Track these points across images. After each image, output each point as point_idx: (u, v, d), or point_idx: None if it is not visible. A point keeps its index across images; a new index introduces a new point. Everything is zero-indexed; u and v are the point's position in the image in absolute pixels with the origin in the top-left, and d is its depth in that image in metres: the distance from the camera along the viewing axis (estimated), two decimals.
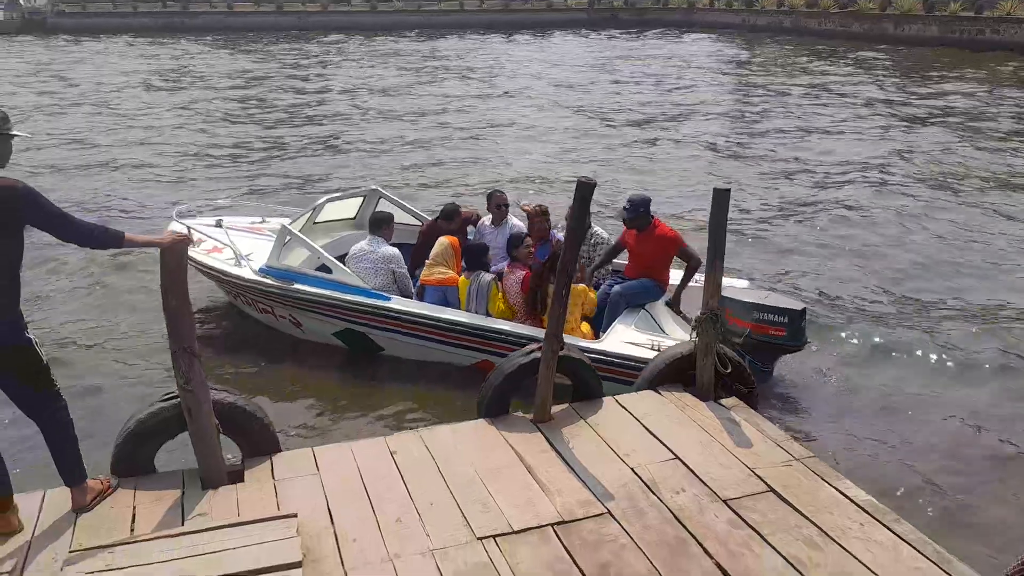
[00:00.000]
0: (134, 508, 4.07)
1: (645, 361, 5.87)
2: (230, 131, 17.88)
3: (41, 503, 4.08)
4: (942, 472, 5.68)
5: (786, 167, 14.56)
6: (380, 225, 7.15)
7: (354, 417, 6.30)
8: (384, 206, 8.10)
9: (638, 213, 6.68)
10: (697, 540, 3.92)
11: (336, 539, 3.88)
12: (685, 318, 6.64)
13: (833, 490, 4.33)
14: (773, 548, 3.87)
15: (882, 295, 8.82)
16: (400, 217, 8.08)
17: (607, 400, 5.32)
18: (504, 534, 3.94)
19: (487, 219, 7.71)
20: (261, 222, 8.45)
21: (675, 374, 5.50)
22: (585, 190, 4.68)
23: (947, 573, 3.71)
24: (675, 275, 6.98)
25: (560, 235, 7.29)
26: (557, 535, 3.95)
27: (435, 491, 4.29)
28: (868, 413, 6.45)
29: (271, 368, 7.03)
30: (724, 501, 4.23)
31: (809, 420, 6.32)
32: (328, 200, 8.00)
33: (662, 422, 5.02)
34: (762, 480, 4.42)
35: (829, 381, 6.93)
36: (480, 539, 3.90)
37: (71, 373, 6.66)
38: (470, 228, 7.80)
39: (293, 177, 13.85)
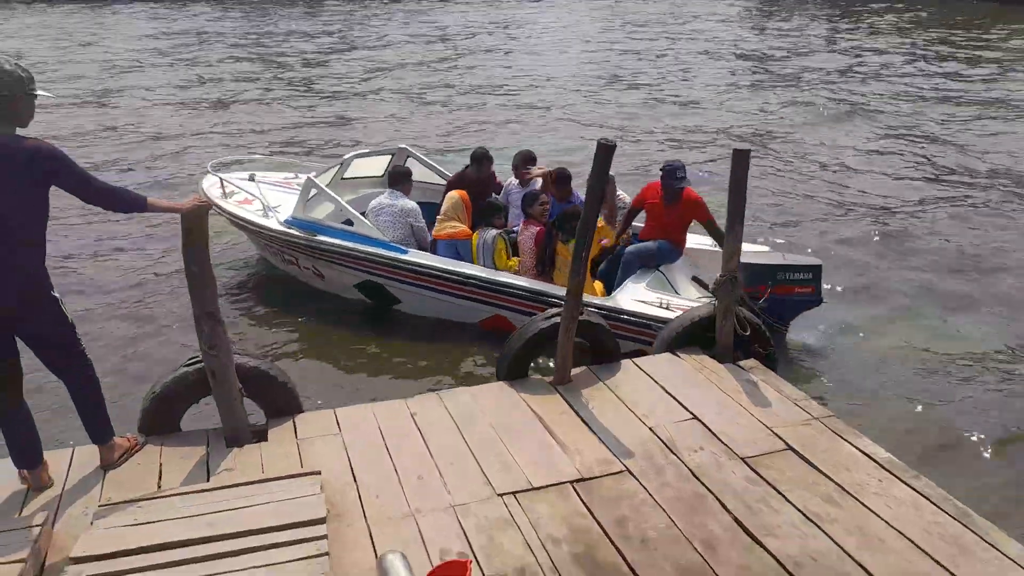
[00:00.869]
0: (160, 465, 4.16)
1: (652, 318, 5.98)
2: (258, 91, 18.04)
3: (70, 459, 4.18)
4: (962, 427, 5.69)
5: (805, 123, 14.40)
6: (400, 179, 7.27)
7: (374, 380, 6.36)
8: (411, 164, 8.21)
9: (685, 180, 6.60)
10: (715, 496, 3.96)
11: (359, 495, 3.94)
12: (704, 284, 6.63)
13: (852, 447, 4.35)
14: (791, 504, 3.89)
15: (897, 253, 8.76)
16: (427, 176, 8.25)
17: (625, 362, 5.33)
18: (524, 491, 3.99)
19: (514, 180, 7.67)
20: (293, 177, 8.65)
21: (693, 337, 5.51)
22: (604, 152, 4.67)
23: (966, 527, 3.72)
24: (691, 240, 6.99)
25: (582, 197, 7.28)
26: (576, 492, 3.99)
27: (455, 450, 4.34)
28: (887, 370, 6.45)
29: (292, 332, 7.11)
30: (742, 459, 4.26)
31: (828, 379, 6.33)
32: (355, 156, 8.20)
33: (680, 383, 5.04)
34: (780, 439, 4.43)
35: (848, 340, 6.91)
36: (500, 495, 3.95)
37: (97, 333, 6.80)
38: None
39: (324, 138, 14.05)
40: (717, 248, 6.83)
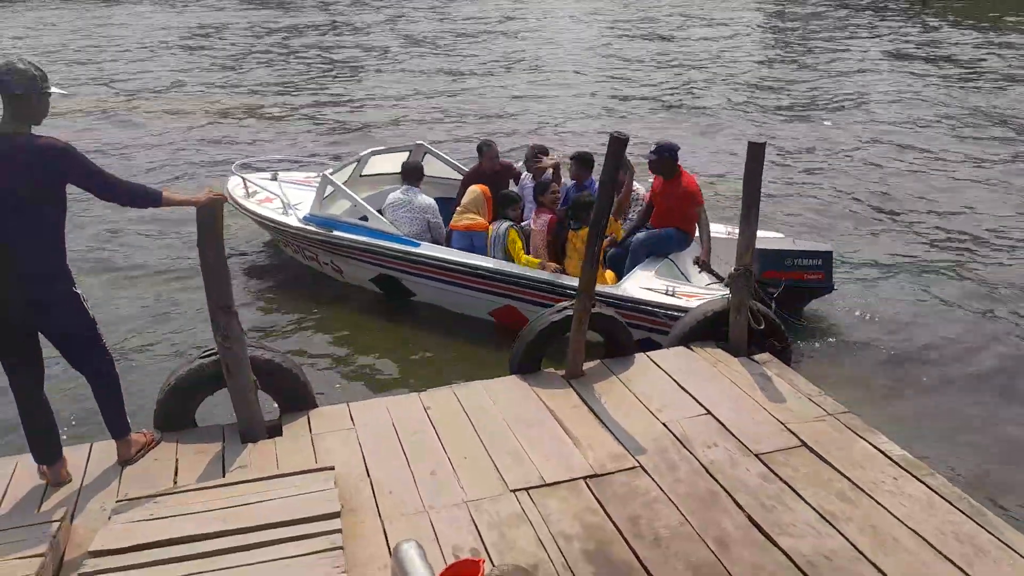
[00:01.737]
0: (176, 461, 4.20)
1: (658, 305, 5.98)
2: (279, 92, 18.05)
3: (88, 455, 4.23)
4: (979, 424, 5.64)
5: (816, 116, 14.26)
6: (413, 175, 7.35)
7: (388, 374, 6.39)
8: (430, 161, 8.27)
9: (662, 157, 6.58)
10: (729, 493, 3.95)
11: (373, 491, 3.97)
12: (717, 275, 6.59)
13: (866, 444, 4.33)
14: (805, 501, 3.88)
15: (918, 246, 8.68)
16: (445, 172, 8.34)
17: (639, 356, 5.33)
18: (537, 486, 4.00)
19: (527, 173, 7.68)
20: (316, 176, 8.69)
21: (708, 330, 5.49)
22: (617, 145, 4.64)
23: (981, 526, 3.70)
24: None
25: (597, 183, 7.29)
26: (589, 488, 4.00)
27: (468, 445, 4.36)
28: (904, 365, 6.40)
29: (306, 325, 7.15)
30: (756, 455, 4.25)
31: (843, 374, 6.27)
32: (373, 153, 8.29)
33: (694, 378, 5.03)
34: (795, 435, 4.42)
35: (863, 334, 6.86)
36: (513, 491, 3.96)
37: (117, 329, 6.84)
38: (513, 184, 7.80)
39: (347, 139, 14.02)
40: (728, 236, 6.89)
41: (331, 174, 7.53)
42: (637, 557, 3.55)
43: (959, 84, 16.38)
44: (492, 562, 3.49)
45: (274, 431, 4.47)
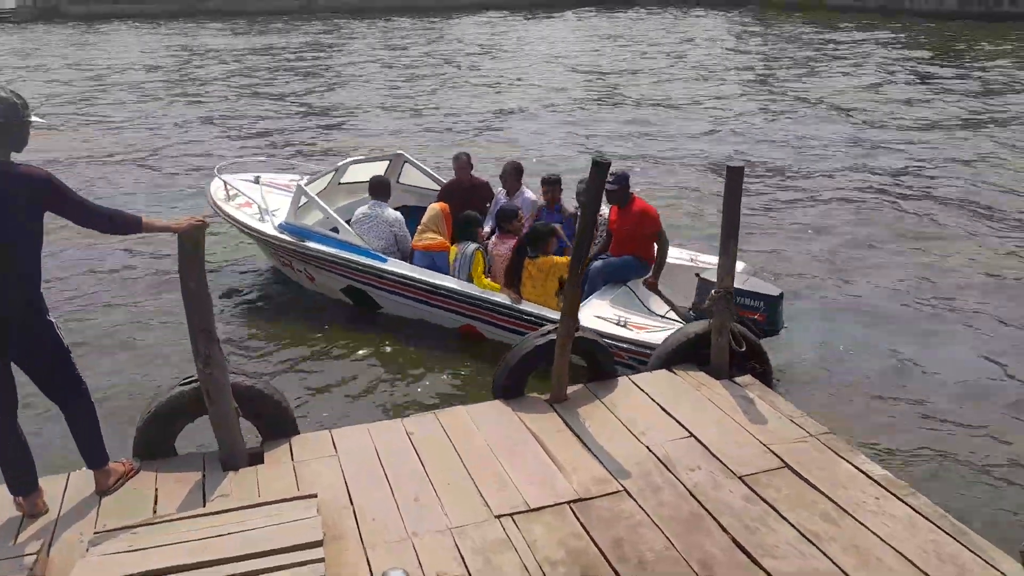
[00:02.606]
0: (156, 490, 4.14)
1: (607, 335, 5.92)
2: (260, 103, 18.26)
3: (65, 485, 4.15)
4: (959, 444, 5.69)
5: (793, 146, 14.45)
6: (381, 190, 7.52)
7: (370, 399, 6.35)
8: (408, 171, 8.54)
9: (621, 186, 6.70)
10: (713, 516, 3.95)
11: (356, 518, 3.93)
12: (666, 299, 6.70)
13: (849, 465, 4.35)
14: (788, 523, 3.89)
15: (897, 270, 8.78)
16: (423, 182, 8.56)
17: (621, 380, 5.33)
18: (521, 512, 3.98)
19: (502, 191, 7.85)
20: (299, 179, 8.82)
21: (689, 353, 5.51)
22: (600, 169, 4.67)
23: (963, 545, 3.72)
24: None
25: (571, 204, 7.52)
26: (573, 512, 3.99)
27: (452, 470, 4.33)
28: (883, 387, 6.46)
29: (286, 349, 7.12)
30: (739, 478, 4.25)
31: (824, 396, 6.32)
32: (353, 162, 8.45)
33: (677, 401, 5.04)
34: (777, 456, 4.43)
35: (844, 357, 6.92)
36: (497, 517, 3.94)
37: (92, 357, 6.75)
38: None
39: (326, 148, 14.22)
40: (688, 263, 7.14)
41: (308, 184, 7.67)
42: None
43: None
44: None
45: (256, 458, 4.42)
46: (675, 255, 7.19)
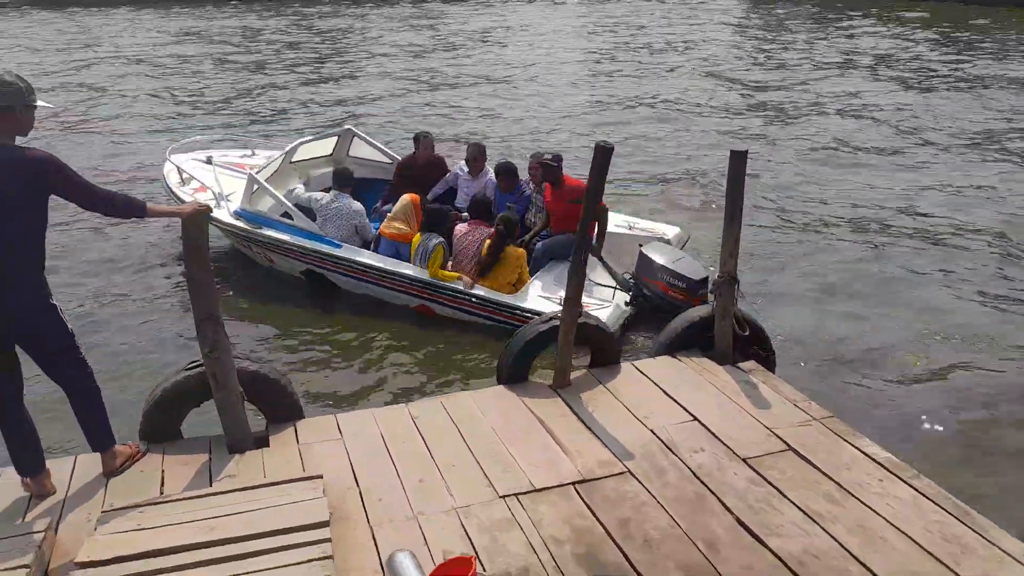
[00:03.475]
0: (163, 472, 4.16)
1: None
2: (225, 79, 18.60)
3: (72, 467, 4.18)
4: (960, 423, 5.71)
5: (798, 133, 14.45)
6: (344, 181, 7.70)
7: (374, 386, 6.35)
8: (358, 144, 8.82)
9: (551, 168, 7.06)
10: (717, 496, 3.97)
11: (361, 499, 3.95)
12: (609, 268, 7.10)
13: (852, 448, 4.36)
14: (793, 503, 3.91)
15: (896, 253, 8.79)
16: (373, 155, 8.87)
17: (625, 365, 5.35)
18: (526, 492, 4.00)
19: (463, 167, 8.15)
20: (251, 155, 9.20)
21: (692, 338, 5.52)
22: (603, 155, 4.69)
23: (966, 526, 3.74)
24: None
25: (527, 188, 7.80)
26: (578, 493, 4.01)
27: (457, 453, 4.35)
28: (885, 370, 6.46)
29: (291, 336, 7.11)
30: (743, 460, 4.27)
31: (827, 379, 6.32)
32: (301, 143, 8.59)
33: (680, 385, 5.06)
34: (781, 439, 4.45)
35: (845, 340, 6.93)
36: (503, 497, 3.96)
37: (97, 341, 6.76)
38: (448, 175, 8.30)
39: (285, 116, 14.60)
40: (627, 231, 7.62)
41: (259, 172, 7.76)
42: (628, 559, 3.56)
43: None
44: (483, 566, 3.48)
45: (261, 442, 4.44)
46: (614, 222, 7.61)
